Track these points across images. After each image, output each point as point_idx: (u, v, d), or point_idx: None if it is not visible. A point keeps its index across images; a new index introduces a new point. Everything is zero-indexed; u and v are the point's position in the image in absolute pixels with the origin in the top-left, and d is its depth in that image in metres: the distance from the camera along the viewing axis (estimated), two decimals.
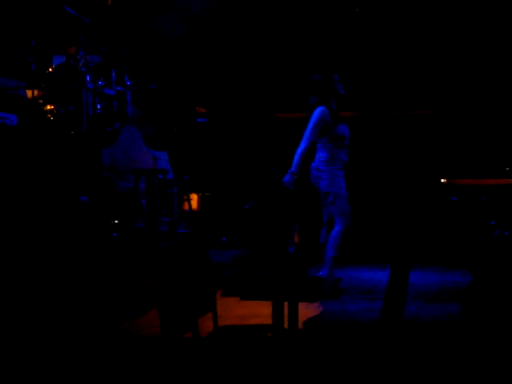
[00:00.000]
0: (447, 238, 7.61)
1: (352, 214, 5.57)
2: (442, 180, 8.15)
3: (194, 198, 8.03)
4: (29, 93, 6.25)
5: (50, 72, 6.39)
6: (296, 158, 5.36)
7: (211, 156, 8.90)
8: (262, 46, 8.96)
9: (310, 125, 5.39)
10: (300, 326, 4.17)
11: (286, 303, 3.38)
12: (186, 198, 7.45)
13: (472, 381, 3.04)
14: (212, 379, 2.86)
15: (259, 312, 4.68)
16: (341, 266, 5.64)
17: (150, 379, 3.25)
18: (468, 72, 8.64)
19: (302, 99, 8.84)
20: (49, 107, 6.26)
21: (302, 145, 5.38)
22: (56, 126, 5.98)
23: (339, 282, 5.62)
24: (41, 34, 6.55)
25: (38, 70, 6.22)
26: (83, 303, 4.39)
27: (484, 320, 3.15)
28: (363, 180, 6.54)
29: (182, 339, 2.89)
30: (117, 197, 6.33)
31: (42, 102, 6.28)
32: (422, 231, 7.80)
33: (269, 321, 3.46)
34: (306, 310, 4.70)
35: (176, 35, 8.72)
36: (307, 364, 3.44)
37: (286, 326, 3.44)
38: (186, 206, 7.46)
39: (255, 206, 8.19)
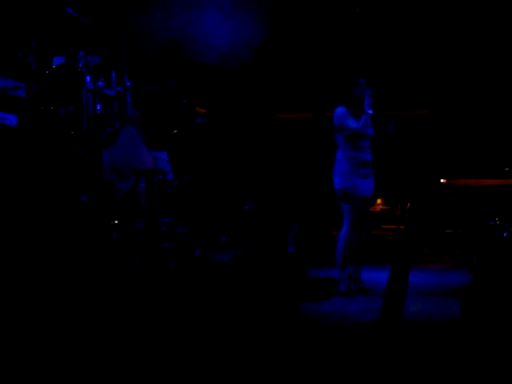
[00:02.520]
0: (447, 238, 7.61)
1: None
2: (442, 180, 8.15)
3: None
4: (29, 93, 6.25)
5: (50, 72, 6.39)
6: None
7: (211, 156, 8.90)
8: (262, 46, 8.96)
9: (344, 119, 5.59)
10: (300, 326, 4.18)
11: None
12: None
13: (472, 380, 3.04)
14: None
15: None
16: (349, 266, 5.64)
17: None
18: (467, 72, 8.65)
19: (303, 100, 8.85)
20: (49, 108, 6.25)
21: (361, 128, 5.59)
22: (56, 126, 5.98)
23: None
24: (41, 34, 6.55)
25: (37, 71, 6.21)
26: (82, 303, 4.39)
27: (484, 320, 3.15)
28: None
29: None
30: (117, 197, 6.32)
31: (41, 102, 6.27)
32: (422, 231, 7.79)
33: None
34: (306, 310, 4.71)
35: (175, 35, 8.72)
36: (307, 364, 3.44)
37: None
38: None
39: (255, 205, 8.19)
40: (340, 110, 5.63)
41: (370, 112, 5.55)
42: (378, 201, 8.89)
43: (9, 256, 4.64)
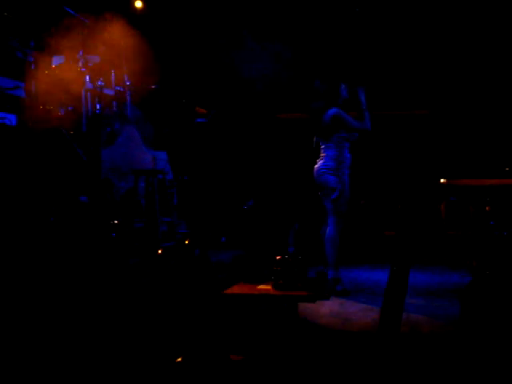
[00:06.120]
0: (447, 239, 7.61)
1: (350, 215, 5.75)
2: (442, 180, 8.14)
3: None
4: (28, 93, 6.24)
5: (50, 72, 6.38)
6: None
7: (211, 156, 8.90)
8: (262, 46, 8.96)
9: (348, 120, 5.61)
10: (299, 326, 4.17)
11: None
12: None
13: (471, 381, 3.04)
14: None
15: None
16: (340, 265, 5.66)
17: None
18: (467, 72, 8.64)
19: (303, 100, 8.84)
20: (48, 107, 6.25)
21: (361, 124, 5.63)
22: (55, 126, 5.97)
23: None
24: (41, 34, 6.54)
25: (37, 70, 6.21)
26: (82, 303, 4.39)
27: (483, 320, 3.15)
28: (363, 180, 6.56)
29: None
30: (116, 197, 6.32)
31: (41, 102, 6.27)
32: (422, 231, 7.79)
33: None
34: (306, 310, 4.70)
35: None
36: (306, 364, 3.43)
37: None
38: None
39: (255, 205, 8.19)
40: (338, 110, 5.63)
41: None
42: None
43: (8, 256, 4.64)
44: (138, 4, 7.98)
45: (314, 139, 5.86)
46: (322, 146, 5.71)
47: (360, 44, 8.70)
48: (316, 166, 5.72)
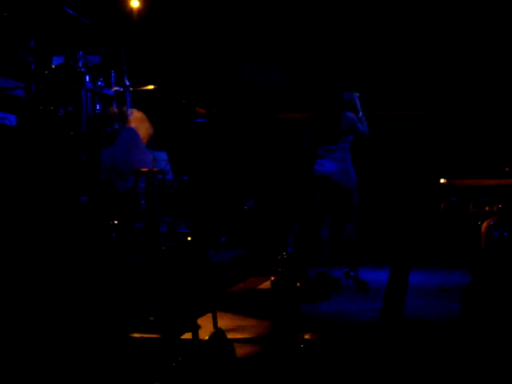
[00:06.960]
0: (447, 239, 7.61)
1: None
2: (442, 180, 8.15)
3: None
4: (28, 93, 6.23)
5: (50, 72, 6.37)
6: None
7: (211, 156, 8.89)
8: (262, 47, 8.96)
9: (357, 124, 5.86)
10: (300, 326, 4.17)
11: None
12: None
13: (472, 380, 3.04)
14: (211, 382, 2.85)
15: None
16: (341, 266, 5.68)
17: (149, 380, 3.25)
18: (467, 72, 8.64)
19: (303, 99, 8.85)
20: (48, 107, 6.24)
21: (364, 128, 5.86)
22: (55, 126, 5.97)
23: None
24: (40, 34, 6.54)
25: (37, 70, 6.20)
26: (82, 303, 4.39)
27: (483, 320, 3.15)
28: (363, 180, 6.56)
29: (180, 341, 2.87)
30: (116, 197, 6.32)
31: (41, 102, 6.26)
32: (421, 231, 7.79)
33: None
34: (306, 311, 4.71)
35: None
36: (307, 364, 3.43)
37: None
38: None
39: (255, 206, 8.19)
40: (353, 114, 5.80)
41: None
42: None
43: (8, 256, 4.64)
44: (135, 4, 7.94)
45: (305, 140, 5.94)
46: (326, 148, 5.79)
47: (360, 44, 8.70)
48: (326, 168, 5.81)
